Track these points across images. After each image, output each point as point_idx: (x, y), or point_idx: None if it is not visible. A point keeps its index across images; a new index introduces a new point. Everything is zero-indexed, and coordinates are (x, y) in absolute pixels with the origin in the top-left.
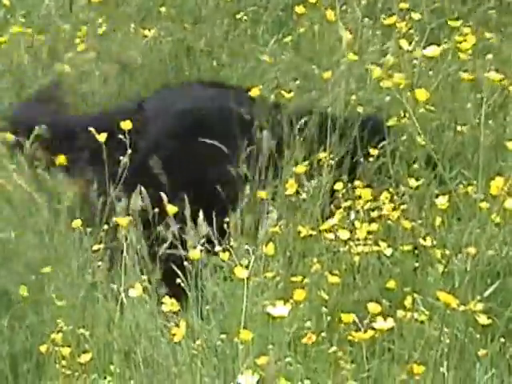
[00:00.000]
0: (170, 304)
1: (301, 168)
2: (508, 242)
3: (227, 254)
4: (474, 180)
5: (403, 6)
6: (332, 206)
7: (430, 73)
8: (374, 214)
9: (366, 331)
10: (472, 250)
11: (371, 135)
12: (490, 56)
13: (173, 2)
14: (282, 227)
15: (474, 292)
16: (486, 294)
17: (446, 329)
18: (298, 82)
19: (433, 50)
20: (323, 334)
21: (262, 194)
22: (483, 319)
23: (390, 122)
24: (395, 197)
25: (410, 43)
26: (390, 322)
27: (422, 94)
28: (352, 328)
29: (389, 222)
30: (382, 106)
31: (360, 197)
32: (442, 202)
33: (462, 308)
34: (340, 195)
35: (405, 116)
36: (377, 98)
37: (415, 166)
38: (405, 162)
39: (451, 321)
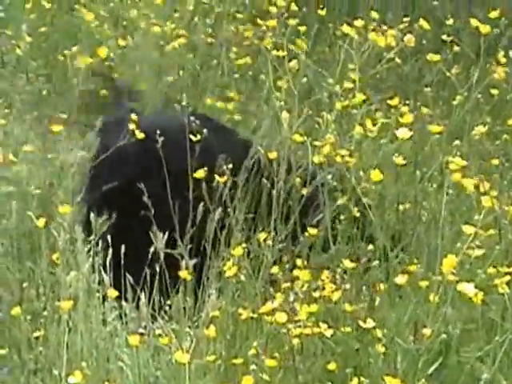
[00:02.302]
0: None
1: (238, 250)
2: (448, 320)
3: (167, 338)
4: (415, 258)
5: (347, 85)
6: (271, 289)
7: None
8: (315, 295)
9: None
10: (427, 331)
11: (313, 213)
12: None
13: None
14: (222, 309)
15: (416, 371)
16: (429, 372)
17: None
18: None
19: (404, 132)
20: None
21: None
22: None
23: (340, 201)
24: (337, 276)
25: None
26: None
27: (376, 175)
28: None
29: (330, 302)
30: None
31: (297, 278)
32: (400, 281)
33: None
34: (279, 276)
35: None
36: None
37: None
38: (346, 239)
39: None
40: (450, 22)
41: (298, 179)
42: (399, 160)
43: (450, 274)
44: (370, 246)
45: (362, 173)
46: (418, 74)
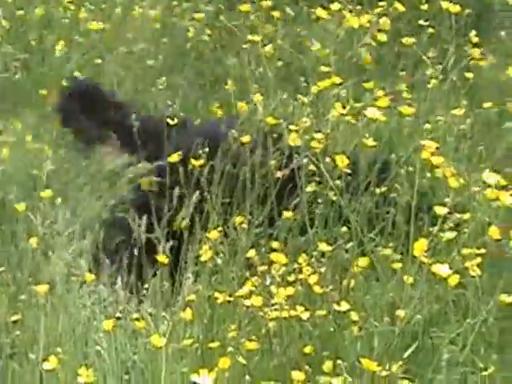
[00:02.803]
0: (85, 375)
1: (214, 234)
2: (424, 302)
3: (144, 322)
4: (391, 242)
5: (324, 69)
6: (248, 272)
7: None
8: (291, 278)
9: None
10: (401, 312)
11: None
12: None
13: None
14: (199, 293)
15: (393, 353)
16: (405, 355)
17: None
18: None
19: (373, 112)
20: None
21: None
22: None
23: (309, 188)
24: (313, 259)
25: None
26: None
27: (342, 160)
28: None
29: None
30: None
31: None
32: (361, 263)
33: (383, 373)
34: (255, 260)
35: (320, 182)
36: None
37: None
38: (323, 223)
39: None
40: (425, 7)
41: (272, 162)
42: (370, 141)
43: (423, 256)
44: (344, 229)
45: (328, 159)
46: (394, 58)
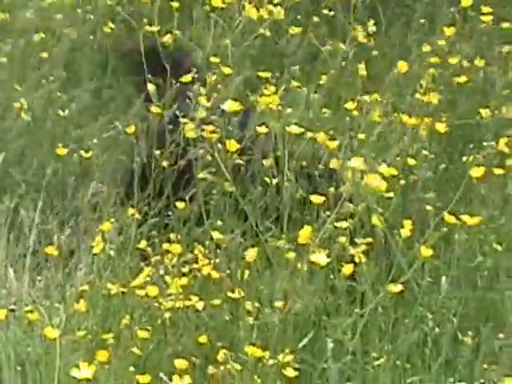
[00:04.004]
0: None
1: (106, 226)
2: (317, 293)
3: (35, 314)
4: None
5: (213, 60)
6: (142, 263)
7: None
8: (185, 269)
9: None
10: (279, 303)
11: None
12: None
13: None
14: (92, 284)
15: (287, 344)
16: (300, 345)
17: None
18: None
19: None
20: None
21: None
22: (290, 372)
23: (201, 175)
24: (207, 250)
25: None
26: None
27: (233, 145)
28: None
29: (200, 275)
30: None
31: (168, 251)
32: (251, 254)
33: (271, 361)
34: (148, 250)
35: (216, 172)
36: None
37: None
38: (217, 213)
39: (263, 374)
40: None
41: (157, 152)
42: (262, 129)
43: (315, 246)
44: (235, 220)
45: (219, 145)
46: (293, 49)
